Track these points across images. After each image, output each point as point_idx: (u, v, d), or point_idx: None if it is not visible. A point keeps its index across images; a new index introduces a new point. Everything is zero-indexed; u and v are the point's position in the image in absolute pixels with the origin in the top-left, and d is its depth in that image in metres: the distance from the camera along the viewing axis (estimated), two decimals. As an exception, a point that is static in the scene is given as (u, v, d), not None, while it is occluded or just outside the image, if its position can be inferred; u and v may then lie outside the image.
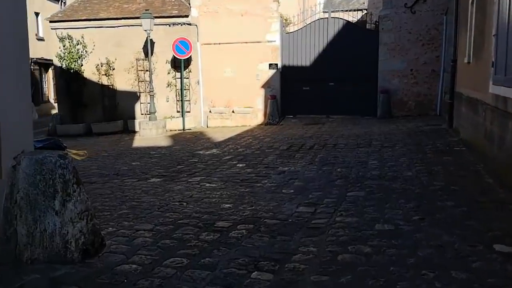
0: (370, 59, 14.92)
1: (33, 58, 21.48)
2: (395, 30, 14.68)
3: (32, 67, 21.59)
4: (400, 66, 14.76)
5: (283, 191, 6.46)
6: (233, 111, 15.97)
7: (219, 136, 13.38)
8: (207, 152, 10.59)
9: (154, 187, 7.20)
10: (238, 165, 8.72)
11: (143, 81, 16.27)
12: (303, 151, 9.90)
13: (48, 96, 23.22)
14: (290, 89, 15.88)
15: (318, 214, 5.23)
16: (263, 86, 15.88)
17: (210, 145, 11.84)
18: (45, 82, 22.96)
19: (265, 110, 15.81)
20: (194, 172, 8.24)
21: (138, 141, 13.66)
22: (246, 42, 15.68)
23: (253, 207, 5.61)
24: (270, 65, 15.65)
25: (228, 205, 5.76)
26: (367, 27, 17.40)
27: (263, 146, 10.94)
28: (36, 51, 20.73)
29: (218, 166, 8.69)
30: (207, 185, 7.10)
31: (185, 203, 5.98)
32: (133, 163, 9.69)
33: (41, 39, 21.17)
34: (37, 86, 22.09)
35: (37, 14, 21.37)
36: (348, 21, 16.13)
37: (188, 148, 11.51)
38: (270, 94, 15.61)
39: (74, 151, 10.29)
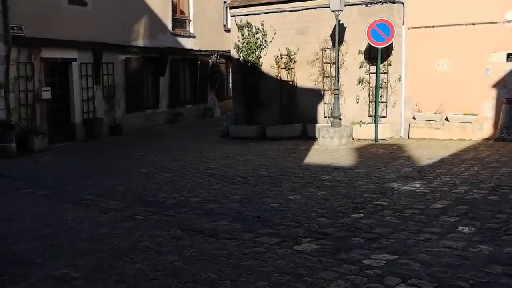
0: None
1: (219, 51, 20.34)
2: None
3: (218, 60, 20.49)
4: None
5: None
6: (446, 119, 11.63)
7: (424, 155, 9.38)
8: (404, 187, 6.81)
9: (298, 264, 3.91)
10: (460, 228, 4.83)
11: (328, 76, 13.08)
12: None
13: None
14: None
15: None
16: (495, 86, 11.13)
17: (410, 171, 7.98)
18: (231, 77, 21.72)
19: (496, 120, 11.08)
20: (377, 237, 4.67)
21: (313, 154, 10.51)
22: (472, 24, 11.16)
23: None
24: (510, 55, 10.83)
25: None
26: None
27: (502, 183, 6.69)
28: (223, 43, 19.45)
29: (422, 227, 4.93)
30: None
31: None
32: (290, 197, 6.53)
33: (228, 31, 19.85)
34: (221, 81, 20.89)
35: (225, 2, 20.14)
36: None
37: (377, 173, 7.88)
38: (505, 98, 10.81)
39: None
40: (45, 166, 10.60)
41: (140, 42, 16.43)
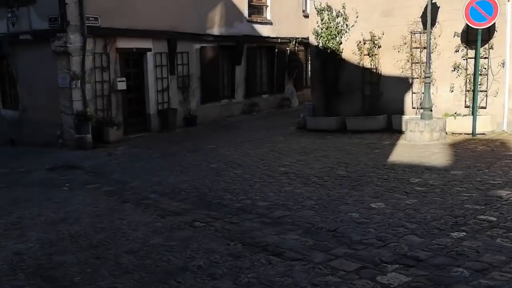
0: None
1: (297, 38, 19.37)
2: None
3: (296, 47, 19.53)
4: None
5: None
6: (561, 111, 9.91)
7: (535, 155, 7.93)
8: (516, 197, 5.59)
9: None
10: None
11: (418, 62, 11.70)
12: None
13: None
14: None
15: None
16: None
17: (521, 175, 6.66)
18: (310, 65, 20.67)
19: None
20: (487, 268, 3.62)
21: (400, 150, 9.35)
22: None
23: None
24: None
25: None
26: None
27: None
28: (302, 29, 18.47)
29: (550, 257, 3.80)
30: None
31: None
32: (373, 205, 5.57)
33: (307, 16, 18.84)
34: (299, 69, 19.94)
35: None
36: None
37: (478, 177, 6.64)
38: None
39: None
40: (116, 158, 10.40)
41: (216, 31, 15.93)
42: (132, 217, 5.62)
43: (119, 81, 12.70)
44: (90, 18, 11.88)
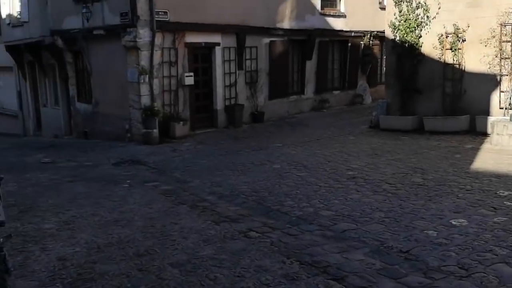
0: None
1: (372, 31, 18.36)
2: None
3: (370, 41, 18.52)
4: None
5: None
6: None
7: None
8: None
9: None
10: None
11: (508, 58, 10.49)
12: None
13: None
14: None
15: None
16: None
17: None
18: (384, 60, 19.54)
19: None
20: None
21: (485, 157, 8.37)
22: None
23: None
24: None
25: None
26: None
27: None
28: (377, 22, 17.46)
29: None
30: None
31: None
32: (454, 222, 4.84)
33: (383, 8, 17.83)
34: (374, 65, 18.90)
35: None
36: None
37: None
38: None
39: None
40: (180, 155, 10.25)
41: (286, 24, 15.42)
42: (185, 221, 5.31)
43: (186, 76, 12.59)
44: (160, 13, 11.82)
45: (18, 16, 16.42)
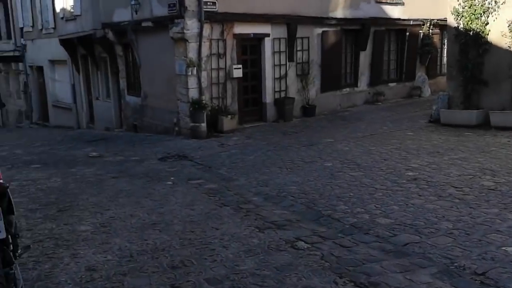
0: None
1: (432, 19, 17.21)
2: None
3: (430, 30, 17.35)
4: None
5: None
6: None
7: None
8: None
9: None
10: None
11: None
12: None
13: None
14: None
15: None
16: None
17: None
18: (445, 50, 18.21)
19: None
20: None
21: None
22: None
23: None
24: None
25: None
26: None
27: None
28: (437, 10, 16.31)
29: None
30: None
31: None
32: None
33: (445, -6, 16.61)
34: (433, 55, 17.71)
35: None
36: None
37: None
38: None
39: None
40: (228, 150, 9.88)
41: (340, 13, 14.68)
42: (227, 227, 4.88)
43: (235, 69, 12.19)
44: (208, 3, 11.46)
45: (71, 10, 16.63)
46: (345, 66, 15.60)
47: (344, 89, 15.53)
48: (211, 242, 4.43)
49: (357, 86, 15.91)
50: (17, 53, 22.21)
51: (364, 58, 15.83)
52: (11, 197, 2.91)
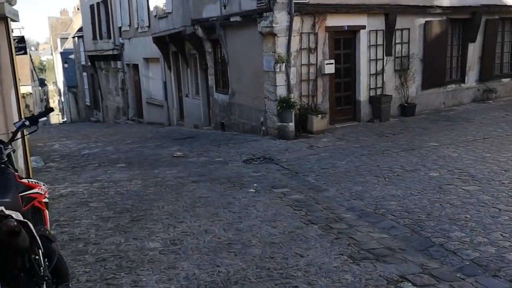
0: None
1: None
2: None
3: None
4: None
5: None
6: None
7: None
8: None
9: None
10: None
11: None
12: None
13: None
14: None
15: None
16: None
17: None
18: None
19: None
20: None
21: None
22: None
23: None
24: None
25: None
26: None
27: None
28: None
29: None
30: None
31: None
32: None
33: None
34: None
35: None
36: None
37: None
38: None
39: None
40: (317, 153, 9.06)
41: (446, 1, 13.15)
42: (314, 254, 4.09)
43: (327, 64, 11.30)
44: (299, -6, 10.69)
45: (164, 8, 16.73)
46: (450, 60, 14.02)
47: (449, 86, 13.96)
48: (293, 275, 3.66)
49: (464, 82, 14.24)
50: (115, 52, 23.07)
51: (473, 50, 14.12)
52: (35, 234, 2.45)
